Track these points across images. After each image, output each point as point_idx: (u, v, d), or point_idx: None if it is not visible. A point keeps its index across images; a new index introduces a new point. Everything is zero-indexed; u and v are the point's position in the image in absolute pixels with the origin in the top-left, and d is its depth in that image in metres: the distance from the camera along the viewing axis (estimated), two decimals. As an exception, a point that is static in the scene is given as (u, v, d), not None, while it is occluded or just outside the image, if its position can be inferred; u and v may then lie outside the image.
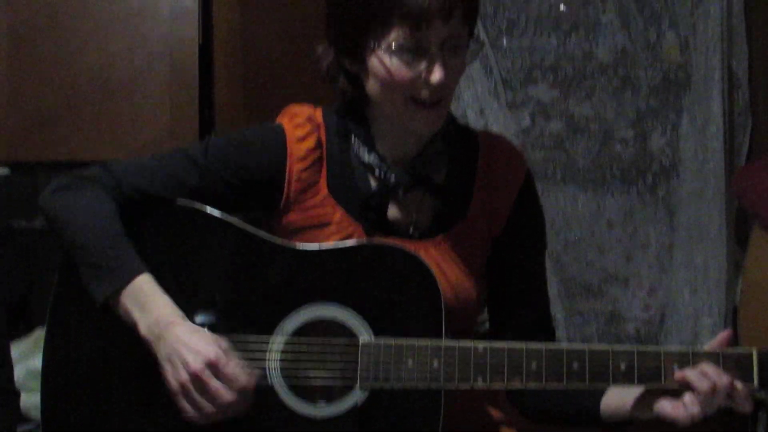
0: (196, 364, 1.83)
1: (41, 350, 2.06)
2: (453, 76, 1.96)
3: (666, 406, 1.83)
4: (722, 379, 1.81)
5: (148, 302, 1.90)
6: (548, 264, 3.73)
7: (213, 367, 1.84)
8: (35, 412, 2.87)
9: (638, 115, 3.96)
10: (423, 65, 1.91)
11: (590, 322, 3.92)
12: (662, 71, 3.98)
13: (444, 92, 1.96)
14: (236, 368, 1.85)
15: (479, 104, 3.83)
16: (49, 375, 2.02)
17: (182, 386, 1.85)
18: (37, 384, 2.80)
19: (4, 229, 3.48)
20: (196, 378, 1.83)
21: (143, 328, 1.89)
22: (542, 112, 3.90)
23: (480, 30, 3.80)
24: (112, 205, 1.97)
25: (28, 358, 2.84)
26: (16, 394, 2.31)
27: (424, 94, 1.93)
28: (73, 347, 2.00)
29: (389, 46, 1.90)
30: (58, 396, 2.01)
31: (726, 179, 3.89)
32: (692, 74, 3.97)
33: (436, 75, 1.91)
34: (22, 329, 3.16)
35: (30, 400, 2.90)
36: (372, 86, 1.98)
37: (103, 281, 1.90)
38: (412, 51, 1.90)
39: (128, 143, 3.48)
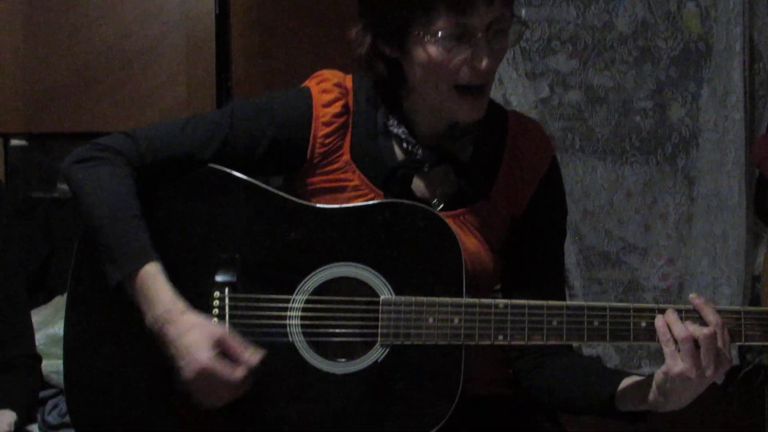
0: (190, 369, 1.86)
1: (62, 317, 2.10)
2: (497, 59, 1.96)
3: (669, 364, 1.84)
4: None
5: (151, 295, 1.92)
6: (567, 233, 3.77)
7: (206, 371, 1.86)
8: (56, 378, 2.92)
9: (658, 86, 3.95)
10: (468, 51, 1.91)
11: (608, 291, 3.93)
12: (682, 42, 3.97)
13: (488, 77, 1.96)
14: (230, 370, 1.87)
15: (498, 74, 3.80)
16: (71, 342, 2.04)
17: (191, 380, 1.88)
18: (57, 350, 2.85)
19: (23, 200, 3.52)
20: (195, 381, 1.87)
21: (148, 321, 1.92)
22: (561, 83, 3.90)
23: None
24: (129, 181, 1.98)
25: (48, 324, 2.89)
26: (38, 359, 2.35)
27: (469, 79, 1.93)
28: (95, 314, 2.02)
29: (434, 34, 1.89)
30: (81, 362, 2.03)
31: (746, 150, 3.89)
32: (713, 45, 3.97)
33: (484, 62, 1.90)
34: (42, 298, 3.20)
35: (51, 366, 2.95)
36: (414, 73, 1.98)
37: (114, 265, 1.92)
38: (458, 37, 1.90)
39: (144, 114, 3.52)
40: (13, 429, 2.19)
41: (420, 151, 2.06)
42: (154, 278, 1.92)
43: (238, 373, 1.87)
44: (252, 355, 1.88)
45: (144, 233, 1.95)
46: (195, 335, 1.89)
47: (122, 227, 1.94)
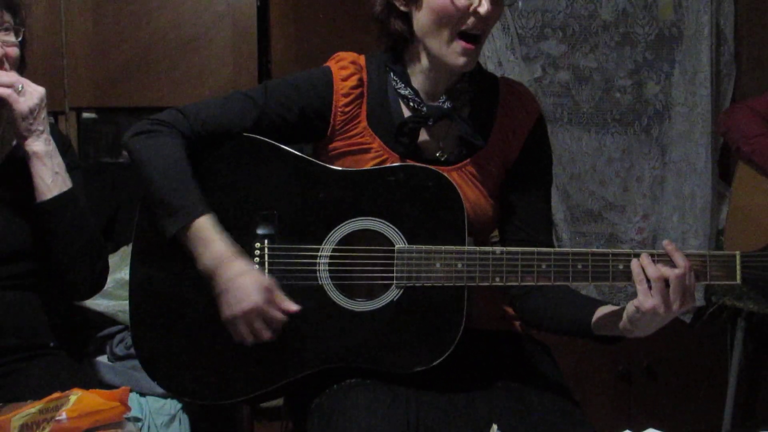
0: (241, 307, 1.91)
1: (127, 264, 2.13)
2: (494, 13, 1.99)
3: (641, 299, 1.86)
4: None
5: (208, 240, 1.94)
6: (556, 193, 3.79)
7: (255, 311, 1.91)
8: (122, 316, 2.95)
9: (636, 66, 3.93)
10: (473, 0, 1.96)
11: (592, 242, 3.93)
12: (657, 28, 3.94)
13: (485, 26, 2.00)
14: (276, 312, 1.93)
15: (498, 57, 3.82)
16: (135, 284, 2.08)
17: (230, 320, 1.93)
18: (123, 292, 2.89)
19: (94, 164, 3.54)
20: (242, 317, 1.92)
21: (201, 263, 1.95)
22: (552, 64, 3.88)
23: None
24: (182, 150, 2.01)
25: (115, 270, 2.90)
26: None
27: (471, 22, 1.97)
28: (155, 260, 2.06)
29: None
30: (144, 301, 2.07)
31: (712, 121, 3.88)
32: (684, 31, 3.93)
33: (485, 6, 1.95)
34: (111, 247, 3.22)
35: (118, 306, 2.99)
36: (422, 20, 2.01)
37: (171, 218, 1.95)
38: None
39: (197, 91, 3.52)
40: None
41: (425, 108, 2.08)
42: (208, 228, 1.95)
43: (281, 315, 1.92)
44: (292, 304, 1.93)
45: (197, 191, 1.97)
46: (248, 279, 1.92)
47: (178, 186, 1.97)
